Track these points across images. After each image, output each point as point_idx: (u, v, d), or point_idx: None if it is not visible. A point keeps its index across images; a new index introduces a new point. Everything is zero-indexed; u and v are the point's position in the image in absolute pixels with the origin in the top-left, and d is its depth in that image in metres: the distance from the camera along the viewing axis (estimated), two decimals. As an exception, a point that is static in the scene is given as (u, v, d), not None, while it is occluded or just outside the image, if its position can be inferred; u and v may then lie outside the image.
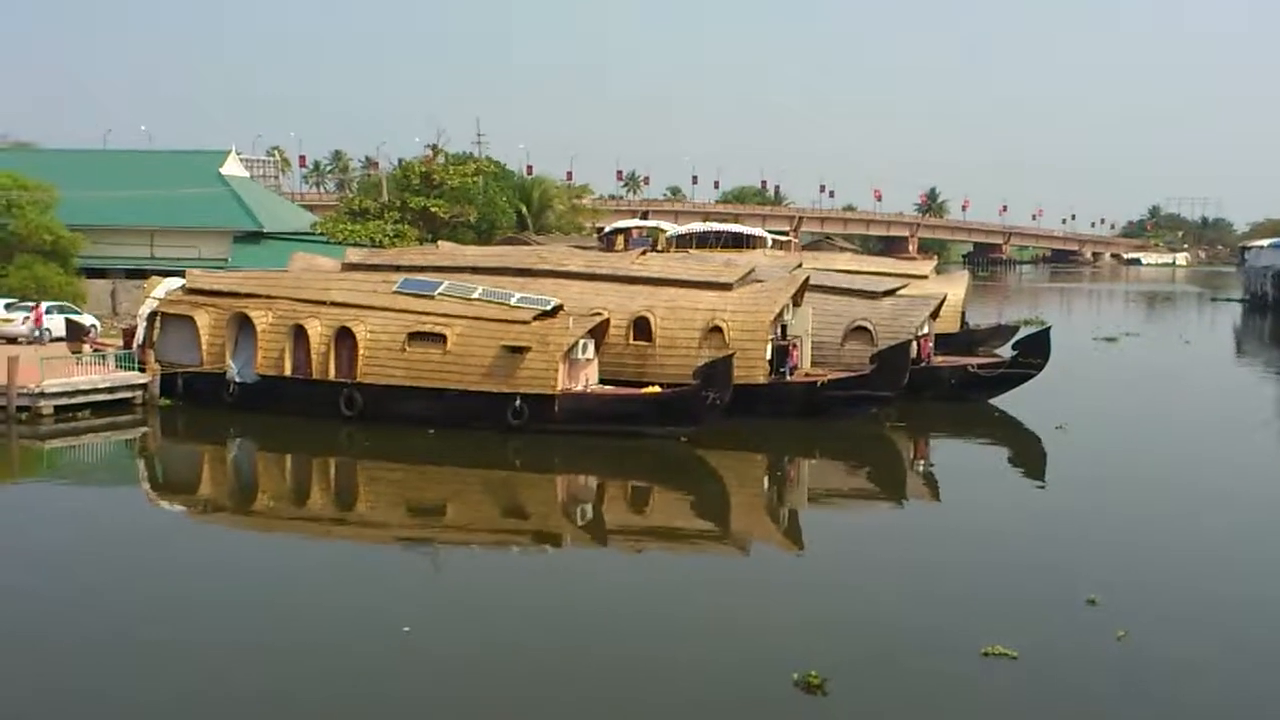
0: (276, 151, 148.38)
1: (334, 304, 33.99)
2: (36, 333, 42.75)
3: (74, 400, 33.01)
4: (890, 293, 41.37)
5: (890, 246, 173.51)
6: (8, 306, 45.99)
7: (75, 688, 14.59)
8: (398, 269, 37.18)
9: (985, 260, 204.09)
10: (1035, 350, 38.37)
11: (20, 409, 31.99)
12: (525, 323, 32.13)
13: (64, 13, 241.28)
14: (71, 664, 15.41)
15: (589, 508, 26.79)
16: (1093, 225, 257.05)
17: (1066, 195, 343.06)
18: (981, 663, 15.79)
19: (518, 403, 31.17)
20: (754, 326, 34.09)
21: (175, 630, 16.72)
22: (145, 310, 36.55)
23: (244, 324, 34.53)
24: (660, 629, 17.38)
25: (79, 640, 16.26)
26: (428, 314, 32.95)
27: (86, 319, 44.94)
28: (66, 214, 54.48)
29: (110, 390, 34.05)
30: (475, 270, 37.03)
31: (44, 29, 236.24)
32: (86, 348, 38.15)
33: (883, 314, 38.77)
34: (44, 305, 45.56)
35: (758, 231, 64.76)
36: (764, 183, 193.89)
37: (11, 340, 42.78)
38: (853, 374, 35.16)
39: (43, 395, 32.28)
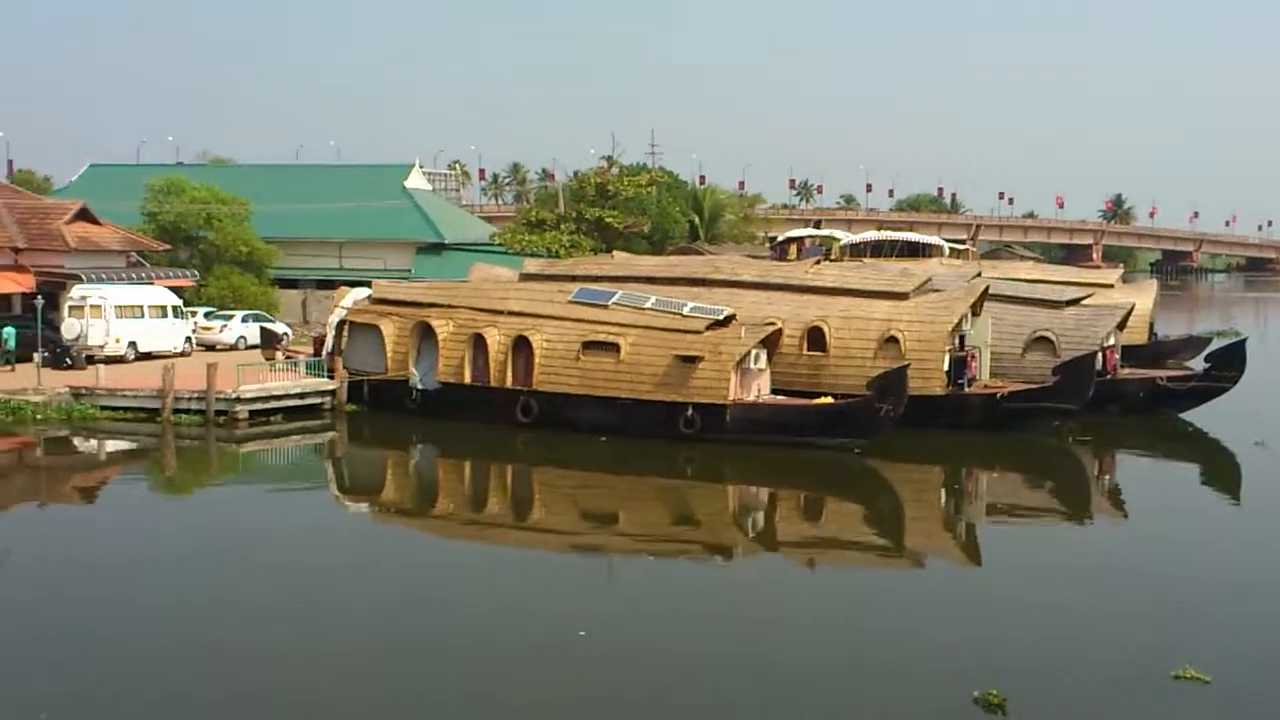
0: (457, 165, 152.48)
1: (512, 313, 34.73)
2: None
3: (267, 405, 34.51)
4: (1074, 302, 40.05)
5: (1073, 255, 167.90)
6: (207, 315, 48.44)
7: (261, 683, 15.20)
8: (573, 279, 37.78)
9: (1175, 269, 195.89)
10: (1229, 362, 36.58)
11: (218, 413, 33.61)
12: (698, 332, 32.23)
13: (256, 35, 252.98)
14: (261, 663, 16.03)
15: (760, 518, 26.70)
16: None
17: (1263, 202, 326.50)
18: (1172, 686, 15.14)
19: (689, 412, 31.28)
20: (931, 337, 33.47)
21: (355, 630, 17.29)
22: (334, 319, 37.95)
23: (426, 333, 35.56)
24: (835, 640, 17.21)
25: (266, 640, 16.91)
26: (602, 323, 33.37)
27: (279, 327, 46.96)
28: (261, 226, 57.14)
29: (301, 396, 35.51)
30: (649, 280, 37.36)
31: (237, 51, 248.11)
32: (279, 355, 39.85)
33: (1066, 324, 37.60)
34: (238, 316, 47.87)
35: (934, 240, 63.40)
36: (940, 190, 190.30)
37: (210, 347, 45.04)
38: (1034, 386, 34.21)
39: (238, 400, 33.85)
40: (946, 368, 33.54)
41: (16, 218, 44.53)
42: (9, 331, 37.87)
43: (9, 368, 37.08)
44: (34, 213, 45.94)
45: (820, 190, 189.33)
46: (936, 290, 36.10)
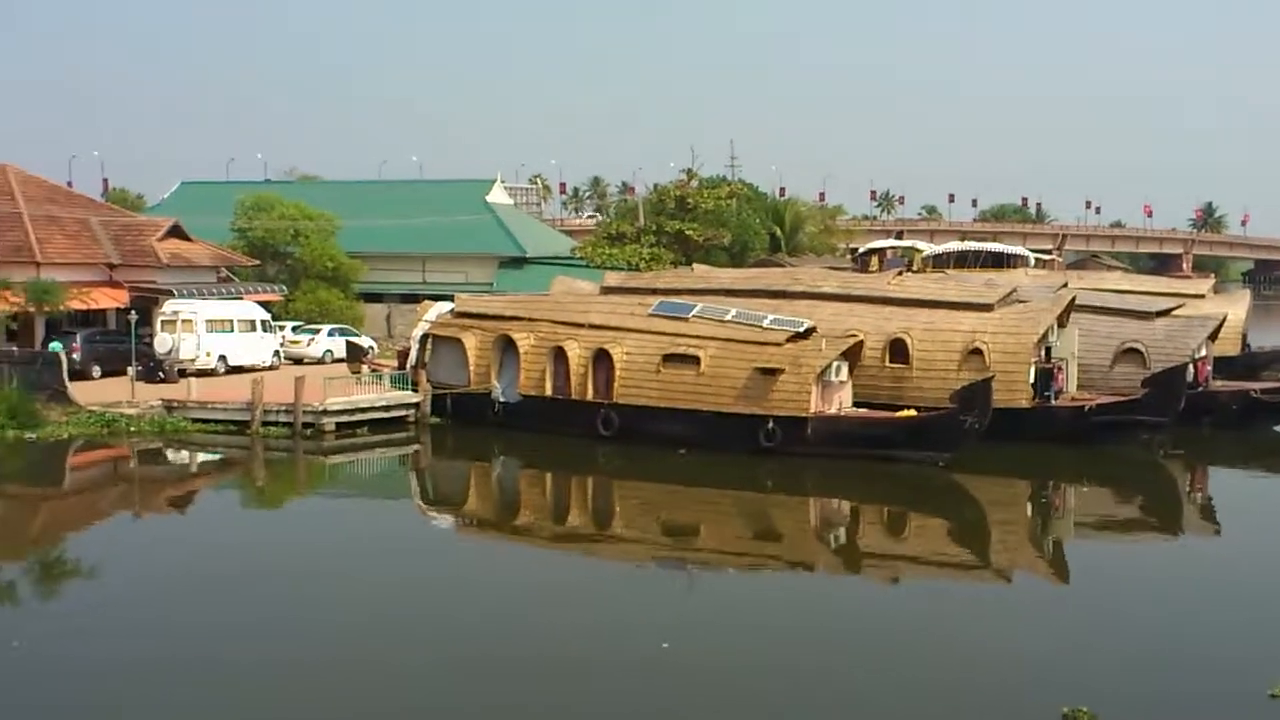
0: (538, 179, 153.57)
1: (592, 326, 34.91)
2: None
3: (353, 418, 35.05)
4: (1164, 313, 39.24)
5: (1162, 264, 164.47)
6: (295, 329, 49.31)
7: (346, 698, 15.40)
8: (653, 292, 37.86)
9: (1269, 278, 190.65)
10: (1327, 374, 35.65)
11: (305, 425, 34.21)
12: (778, 344, 32.13)
13: (342, 56, 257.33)
14: (346, 678, 16.24)
15: (842, 532, 26.52)
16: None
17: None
18: (1270, 706, 14.76)
19: (770, 424, 31.17)
20: (1016, 348, 33.02)
21: (441, 642, 17.47)
22: (418, 333, 38.44)
23: (508, 346, 35.88)
24: (919, 656, 17.02)
25: (352, 654, 17.12)
26: (682, 336, 33.40)
27: (364, 341, 47.68)
28: (346, 242, 58.07)
29: (386, 409, 36.01)
30: (729, 293, 37.33)
31: (323, 70, 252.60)
32: (364, 368, 40.45)
33: (1156, 335, 36.88)
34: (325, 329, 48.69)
35: (1019, 250, 62.52)
36: (1024, 200, 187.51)
37: (298, 361, 45.86)
38: (1123, 398, 33.61)
39: (325, 413, 34.42)
40: (1032, 380, 33.06)
41: (111, 235, 45.76)
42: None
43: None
44: (128, 230, 47.18)
45: (902, 201, 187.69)
46: (1022, 301, 35.63)
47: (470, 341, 36.55)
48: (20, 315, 38.30)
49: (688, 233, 65.79)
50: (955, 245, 65.22)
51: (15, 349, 38.52)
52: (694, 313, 34.22)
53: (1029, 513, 28.88)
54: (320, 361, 46.21)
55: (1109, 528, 26.98)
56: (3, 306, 34.97)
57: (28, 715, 14.43)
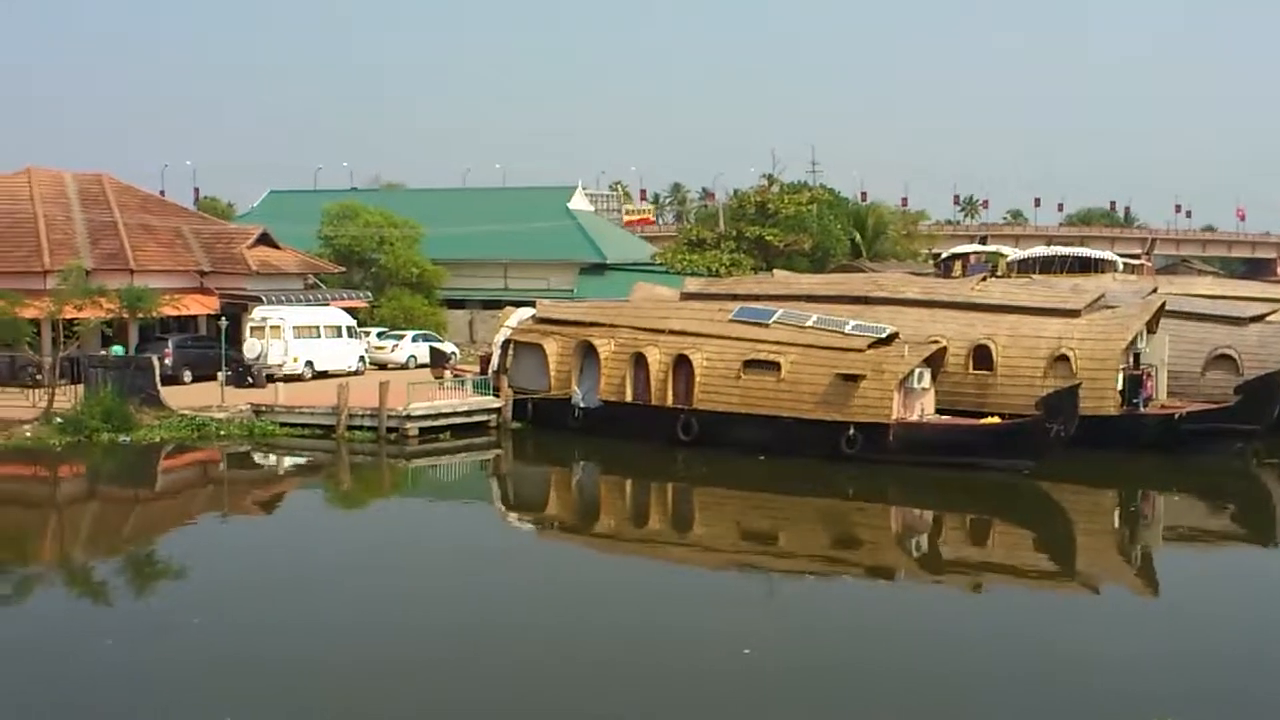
0: (619, 186, 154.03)
1: (672, 332, 34.96)
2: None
3: (436, 423, 35.46)
4: (1257, 318, 38.32)
5: (1255, 269, 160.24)
6: (379, 335, 50.03)
7: (427, 701, 15.58)
8: (734, 298, 37.83)
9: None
10: None
11: (389, 430, 34.68)
12: (860, 350, 31.92)
13: (426, 65, 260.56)
14: (426, 681, 16.42)
15: (924, 540, 26.23)
16: None
17: None
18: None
19: (851, 431, 30.97)
20: (1104, 355, 32.46)
21: (523, 646, 17.56)
22: (499, 338, 38.80)
23: (589, 352, 36.06)
24: (1003, 666, 16.78)
25: (435, 655, 17.31)
26: (762, 342, 33.33)
27: (447, 347, 48.22)
28: (430, 249, 58.85)
29: (468, 414, 36.39)
30: (810, 298, 37.16)
31: (407, 80, 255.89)
32: (447, 373, 40.92)
33: (1249, 341, 36.02)
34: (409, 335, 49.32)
35: (1107, 255, 61.37)
36: (1112, 204, 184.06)
37: (382, 366, 46.52)
38: (1214, 406, 32.87)
39: (409, 418, 34.87)
40: (1121, 387, 32.49)
41: (202, 243, 46.82)
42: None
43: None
44: (218, 238, 48.23)
45: (986, 205, 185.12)
46: (1110, 307, 35.04)
47: (551, 347, 36.78)
48: (115, 321, 39.30)
49: (768, 238, 65.56)
50: (1041, 250, 64.14)
51: (109, 353, 39.59)
52: (774, 318, 34.13)
53: (1117, 522, 28.37)
54: (404, 367, 46.83)
55: (1200, 538, 26.40)
56: (98, 313, 35.88)
57: (119, 712, 14.79)
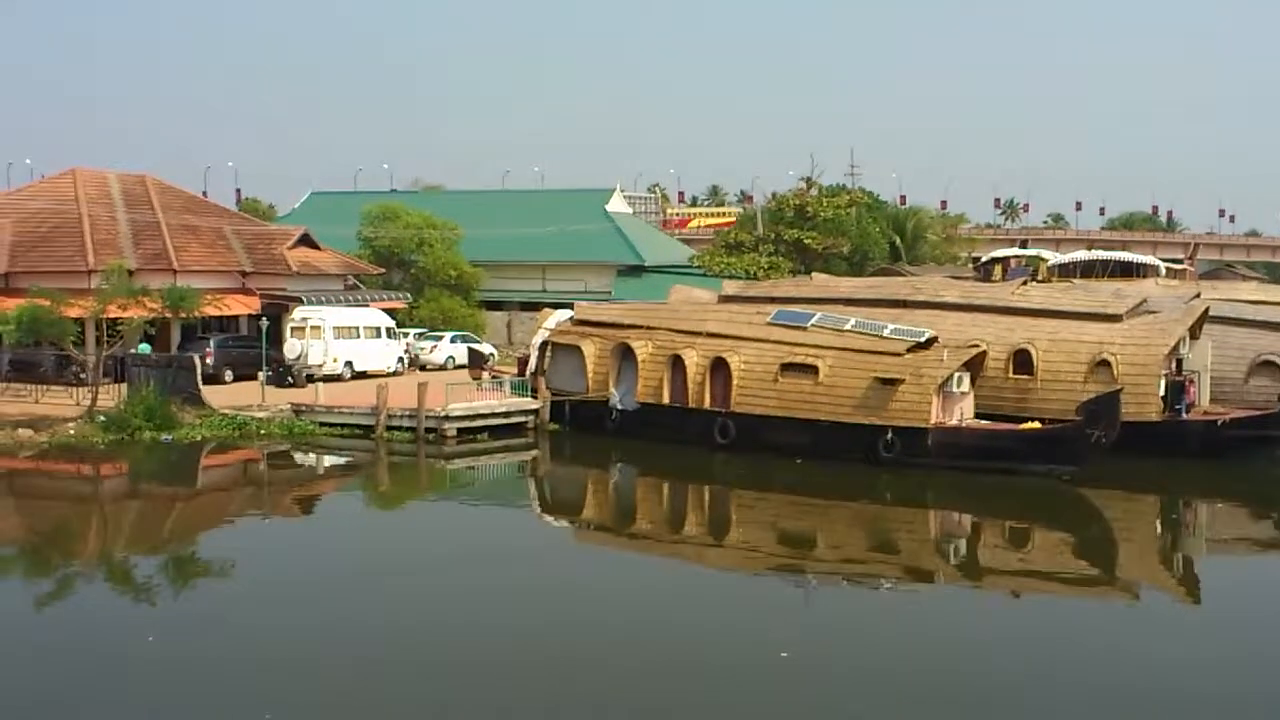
0: (657, 188, 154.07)
1: (710, 335, 34.94)
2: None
3: (474, 423, 35.61)
4: (1303, 324, 37.83)
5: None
6: (418, 336, 50.31)
7: (462, 702, 15.65)
8: (772, 300, 37.77)
9: None
10: None
11: (428, 430, 34.86)
12: (898, 354, 31.78)
13: (463, 69, 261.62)
14: (464, 682, 16.49)
15: (962, 545, 26.07)
16: None
17: None
18: None
19: (889, 435, 30.84)
20: (1145, 360, 32.16)
21: (559, 648, 17.60)
22: (537, 340, 38.93)
23: (626, 354, 36.09)
24: (1041, 672, 16.64)
25: (472, 657, 17.37)
26: (800, 345, 33.25)
27: (485, 348, 48.42)
28: (469, 250, 59.15)
29: (506, 415, 36.54)
30: (848, 302, 37.04)
31: (446, 83, 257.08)
32: (485, 375, 41.09)
33: (1294, 347, 35.53)
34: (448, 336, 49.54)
35: (1149, 259, 60.76)
36: (1155, 208, 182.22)
37: (421, 367, 46.78)
38: (1258, 412, 32.50)
39: (447, 418, 35.03)
40: (1163, 393, 32.19)
41: (244, 243, 47.25)
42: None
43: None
44: (260, 238, 48.67)
45: (1026, 209, 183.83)
46: (1152, 312, 34.71)
47: (589, 349, 36.85)
48: (158, 320, 39.71)
49: (806, 241, 65.38)
50: (1082, 254, 63.59)
51: (153, 353, 40.06)
52: (813, 322, 34.05)
53: (1158, 529, 28.09)
54: (443, 368, 47.04)
55: (1243, 546, 26.12)
56: (141, 312, 36.30)
57: (160, 706, 14.95)
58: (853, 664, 16.85)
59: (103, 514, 28.37)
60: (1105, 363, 32.32)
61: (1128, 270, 55.81)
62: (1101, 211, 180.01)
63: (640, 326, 36.72)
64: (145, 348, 40.47)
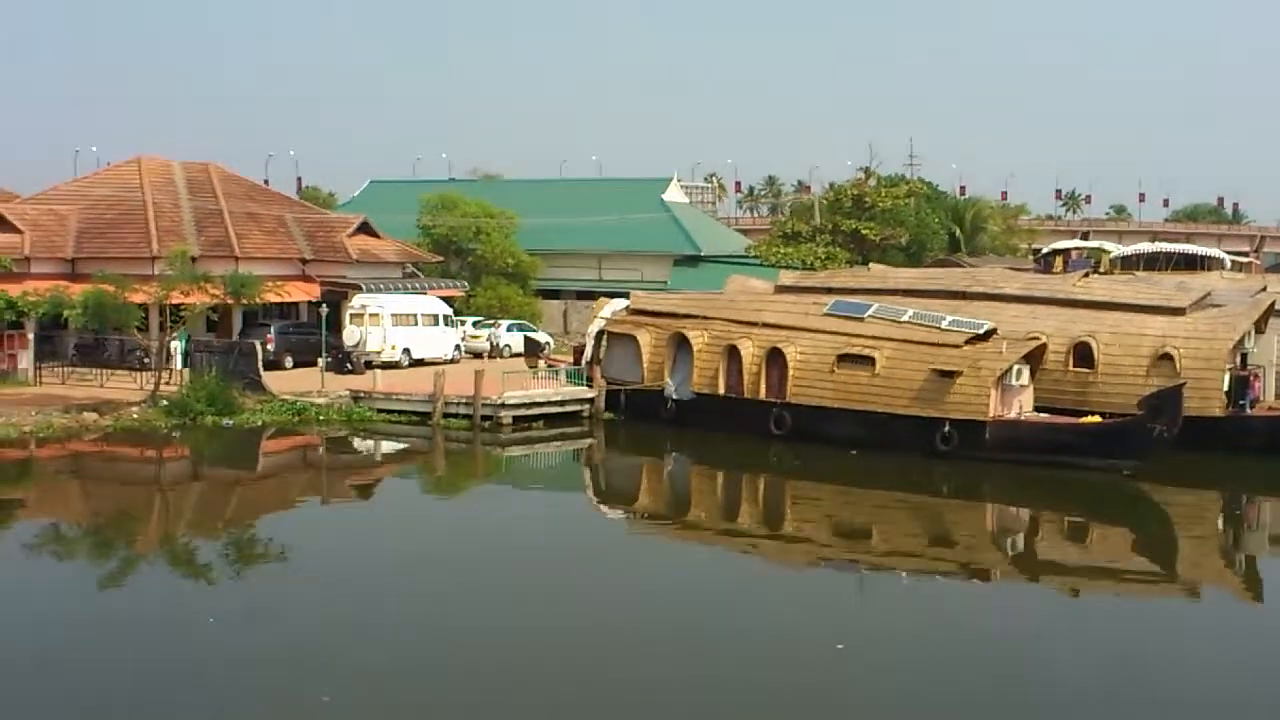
0: (713, 178, 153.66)
1: (766, 325, 34.83)
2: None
3: (529, 411, 35.77)
4: (1373, 319, 37.00)
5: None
6: (475, 324, 50.60)
7: (510, 700, 15.75)
8: (828, 291, 37.58)
9: None
10: None
11: (484, 418, 35.07)
12: (957, 346, 31.51)
13: (524, 61, 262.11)
14: (513, 683, 16.60)
15: (1020, 540, 25.83)
16: None
17: None
18: None
19: (946, 428, 30.60)
20: (1209, 354, 31.65)
21: (617, 636, 17.67)
22: (593, 329, 39.00)
23: (682, 343, 36.08)
24: (1098, 669, 16.46)
25: (526, 651, 17.48)
26: (857, 336, 33.05)
27: (541, 337, 48.60)
28: (526, 239, 59.34)
29: (561, 403, 36.66)
30: (906, 293, 36.77)
31: (505, 74, 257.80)
32: (541, 363, 41.25)
33: (1363, 343, 34.81)
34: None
35: (1214, 252, 59.65)
36: (1220, 200, 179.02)
37: (477, 355, 47.04)
38: (1326, 408, 31.85)
39: (503, 406, 35.22)
40: (1226, 388, 31.65)
41: (305, 231, 47.75)
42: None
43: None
44: (320, 226, 49.16)
45: (1089, 201, 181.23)
46: (1216, 305, 34.15)
47: (645, 338, 36.88)
48: (219, 307, 40.24)
49: (864, 232, 65.01)
50: (1145, 246, 62.65)
51: (215, 339, 40.61)
52: (870, 313, 33.83)
53: (1220, 526, 27.66)
54: (499, 356, 47.28)
55: (1309, 545, 25.63)
56: (204, 298, 36.78)
57: (219, 685, 15.19)
58: (909, 659, 16.75)
59: (165, 497, 28.84)
60: (1168, 356, 31.85)
61: (1192, 263, 54.84)
62: (1165, 203, 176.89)
63: (696, 316, 36.67)
64: (182, 339, 40.10)
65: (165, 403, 34.61)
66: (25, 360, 39.11)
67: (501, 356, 47.04)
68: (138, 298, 36.07)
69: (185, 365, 37.85)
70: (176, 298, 36.53)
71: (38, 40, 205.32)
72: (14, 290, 37.88)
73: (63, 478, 30.25)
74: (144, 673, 15.49)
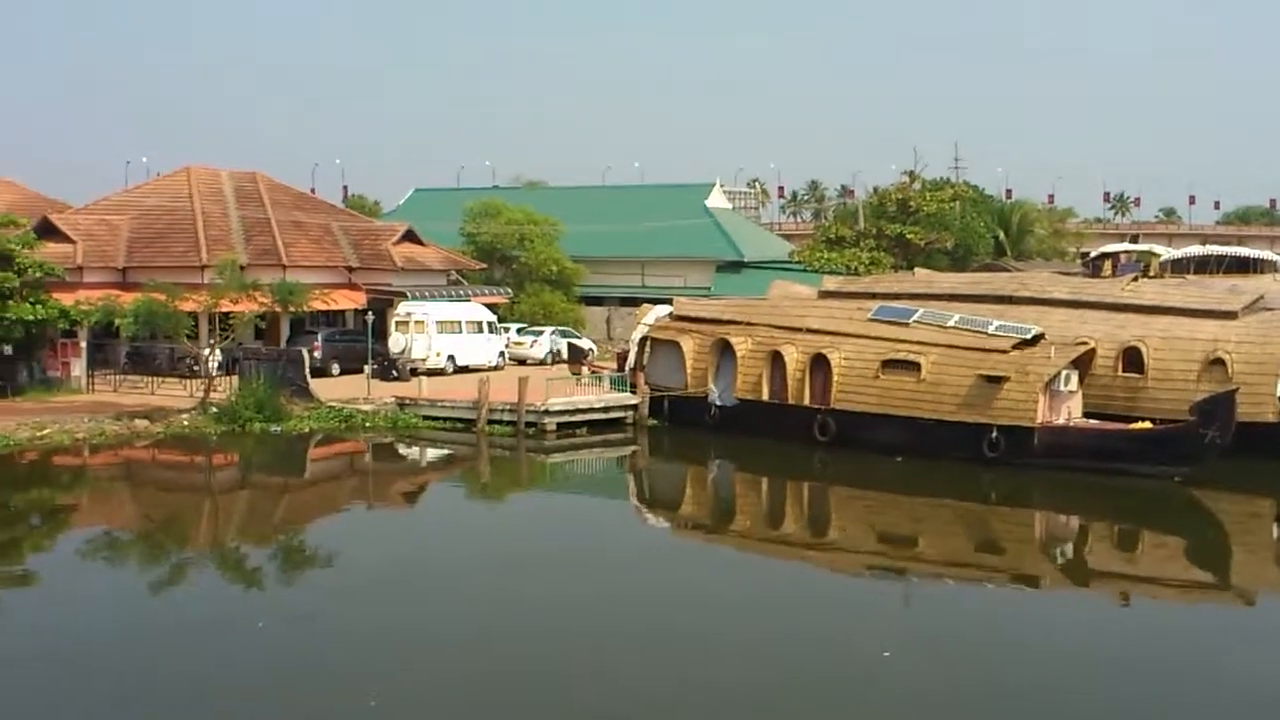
0: (756, 183, 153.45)
1: (810, 331, 34.69)
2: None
3: (573, 418, 35.83)
4: None
5: None
6: (519, 331, 50.77)
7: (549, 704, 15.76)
8: (873, 296, 37.38)
9: None
10: None
11: (528, 425, 35.17)
12: (1003, 351, 31.25)
13: (566, 66, 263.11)
14: (550, 687, 16.62)
15: (1069, 548, 25.56)
16: None
17: None
18: None
19: (994, 434, 30.33)
20: (1262, 359, 31.18)
21: (661, 643, 17.64)
22: (636, 335, 39.02)
23: (725, 350, 36.01)
24: (1151, 679, 16.26)
25: (567, 663, 17.49)
26: (902, 341, 32.86)
27: (585, 343, 48.69)
28: (569, 246, 59.50)
29: (605, 410, 36.69)
30: (952, 297, 36.51)
31: (546, 79, 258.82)
32: (584, 370, 41.31)
33: None
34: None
35: (1266, 255, 58.75)
36: (1272, 201, 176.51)
37: (521, 362, 47.20)
38: (1383, 414, 31.23)
39: (547, 413, 35.30)
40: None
41: (351, 239, 48.12)
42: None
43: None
44: (366, 234, 49.52)
45: (1138, 203, 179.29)
46: (1269, 309, 33.64)
47: (688, 345, 36.84)
48: (267, 314, 40.66)
49: (908, 236, 64.59)
50: (1196, 249, 61.78)
51: (263, 346, 41.02)
52: (915, 318, 33.62)
53: (1275, 533, 27.22)
54: (543, 363, 47.42)
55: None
56: (252, 306, 37.15)
57: (269, 687, 15.32)
58: (956, 667, 16.60)
59: (215, 502, 29.15)
60: (1219, 361, 31.42)
61: (1243, 266, 54.03)
62: (1216, 205, 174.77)
63: (739, 322, 36.59)
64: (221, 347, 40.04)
65: (215, 410, 34.97)
66: (78, 368, 39.72)
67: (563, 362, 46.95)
68: (187, 306, 36.47)
69: (222, 372, 38.04)
70: (225, 306, 36.91)
71: (91, 55, 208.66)
72: (67, 299, 38.46)
73: (115, 484, 30.69)
74: (194, 675, 15.63)
